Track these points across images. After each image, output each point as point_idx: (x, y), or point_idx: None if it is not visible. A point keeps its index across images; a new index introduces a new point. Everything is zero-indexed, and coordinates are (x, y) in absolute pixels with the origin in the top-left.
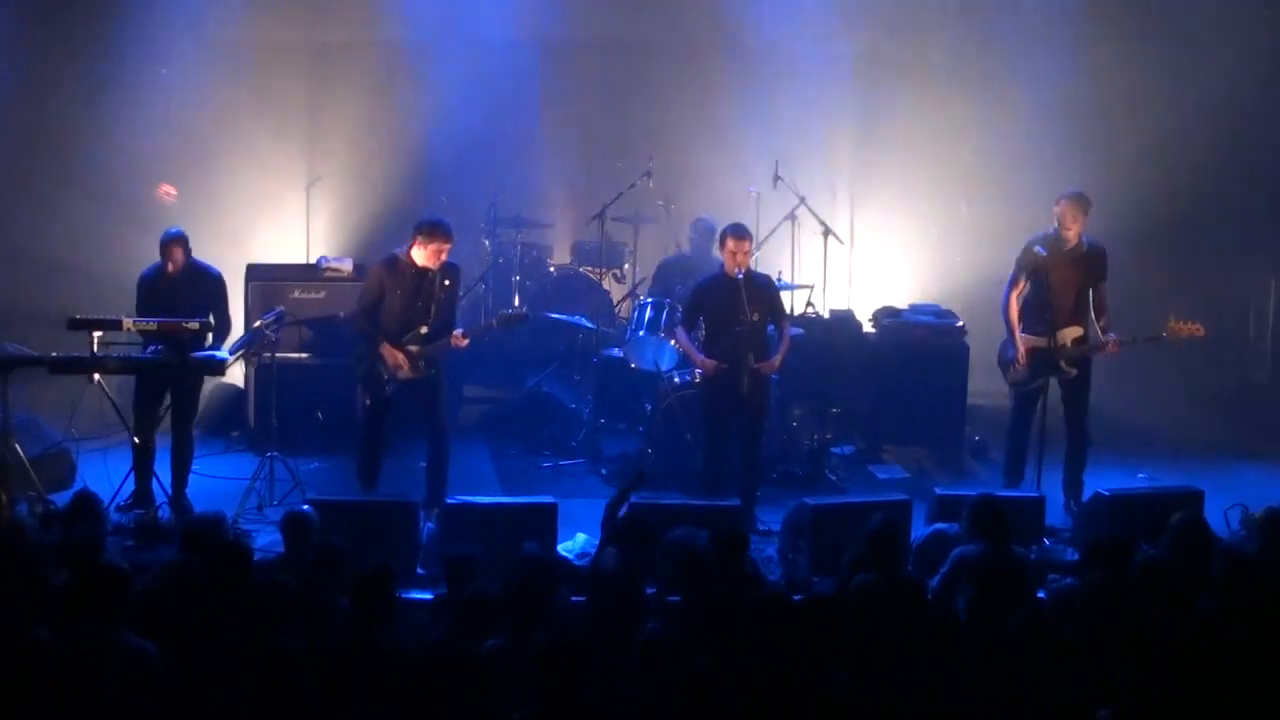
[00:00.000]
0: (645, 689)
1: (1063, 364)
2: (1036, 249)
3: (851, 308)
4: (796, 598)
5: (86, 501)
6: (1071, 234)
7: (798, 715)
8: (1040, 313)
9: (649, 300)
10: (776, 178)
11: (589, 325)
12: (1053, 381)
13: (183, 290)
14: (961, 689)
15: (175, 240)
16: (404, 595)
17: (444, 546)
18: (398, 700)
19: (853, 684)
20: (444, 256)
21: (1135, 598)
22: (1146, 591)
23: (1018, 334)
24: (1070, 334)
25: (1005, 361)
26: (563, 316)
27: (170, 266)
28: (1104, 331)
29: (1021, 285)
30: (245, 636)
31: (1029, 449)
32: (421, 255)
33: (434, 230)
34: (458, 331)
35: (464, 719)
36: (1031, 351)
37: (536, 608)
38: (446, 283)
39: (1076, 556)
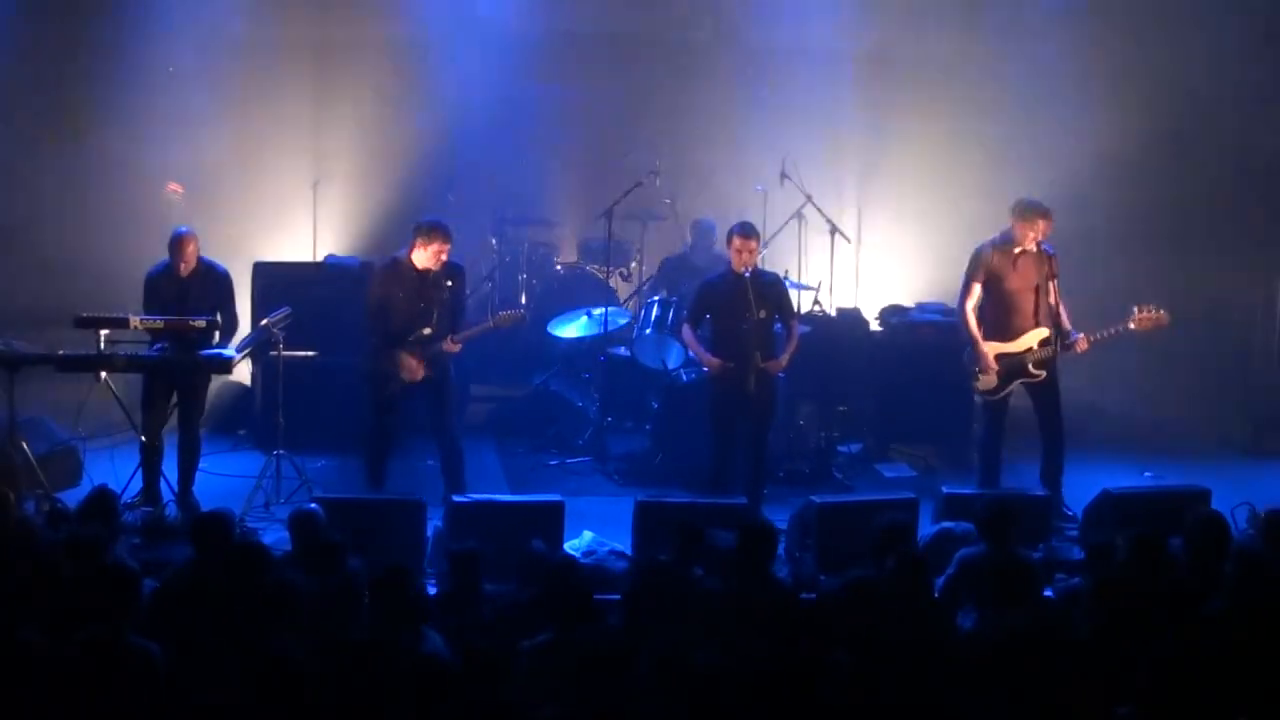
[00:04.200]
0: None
1: (1030, 367)
2: (987, 254)
3: (858, 306)
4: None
5: (102, 499)
6: (1029, 240)
7: (803, 714)
8: (1003, 318)
9: (656, 299)
10: (783, 176)
11: (595, 333)
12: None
13: (190, 288)
14: (969, 689)
15: (187, 239)
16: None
17: (443, 545)
18: (416, 700)
19: (858, 684)
20: (444, 258)
21: (1144, 596)
22: (1158, 590)
23: (980, 343)
24: (1037, 336)
25: (972, 371)
26: (565, 336)
27: (182, 266)
28: (1067, 332)
29: (975, 293)
30: (255, 635)
31: (1003, 458)
32: (421, 257)
33: (433, 231)
34: (450, 337)
35: (487, 717)
36: (1000, 358)
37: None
38: (449, 283)
39: (1082, 555)
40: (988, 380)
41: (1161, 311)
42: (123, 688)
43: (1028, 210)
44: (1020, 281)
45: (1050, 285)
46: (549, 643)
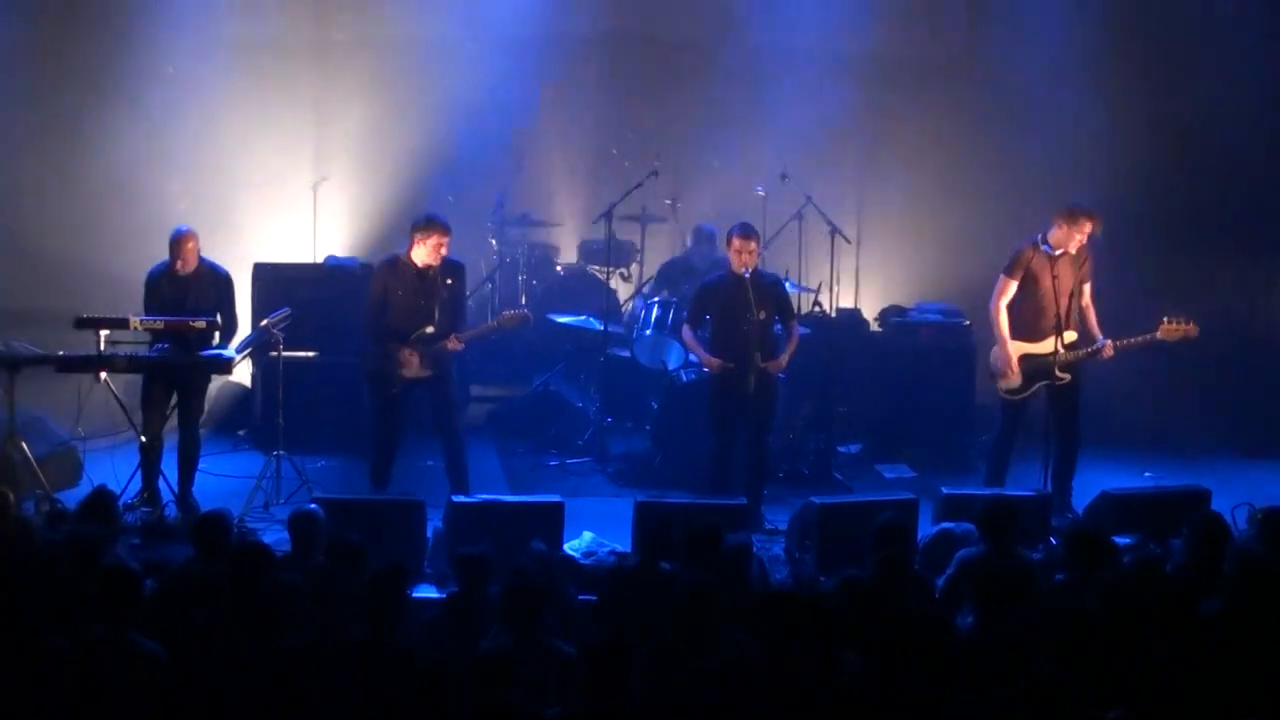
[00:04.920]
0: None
1: (1056, 370)
2: (1028, 253)
3: (858, 307)
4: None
5: (100, 500)
6: (1074, 244)
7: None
8: (1034, 319)
9: (656, 299)
10: (783, 176)
11: (596, 327)
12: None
13: (191, 289)
14: (967, 690)
15: (187, 238)
16: (411, 594)
17: (453, 545)
18: (411, 699)
19: (857, 684)
20: (444, 251)
21: (1136, 598)
22: (1150, 591)
23: (1008, 343)
24: (1066, 339)
25: (996, 370)
26: (568, 321)
27: (180, 265)
28: (1094, 335)
29: (1010, 291)
30: (255, 636)
31: (1012, 459)
32: (421, 253)
33: (430, 225)
34: (454, 335)
35: (483, 717)
36: (1024, 359)
37: (537, 607)
38: (449, 281)
39: None
40: (1010, 380)
41: (1191, 324)
42: (127, 689)
43: (1080, 213)
44: (1056, 284)
45: (1084, 289)
46: (508, 646)
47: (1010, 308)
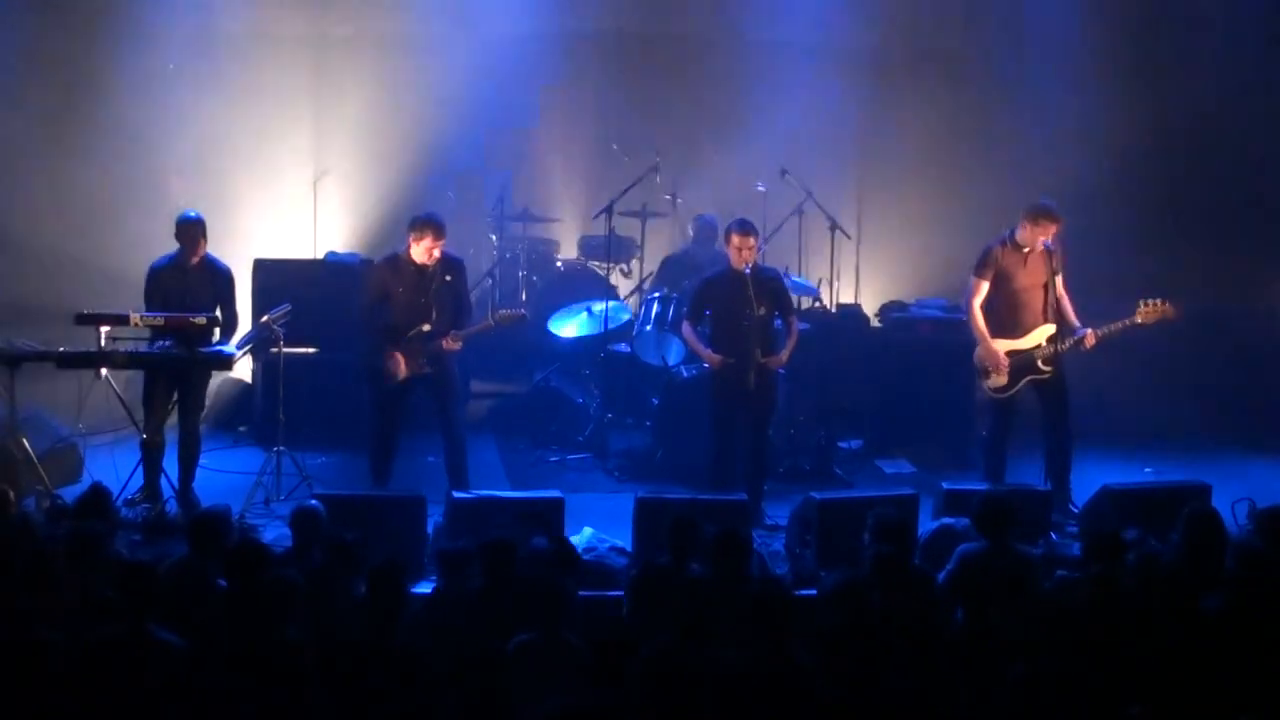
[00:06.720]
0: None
1: (1039, 364)
2: (997, 251)
3: (859, 302)
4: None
5: (96, 497)
6: (1038, 242)
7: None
8: (1011, 315)
9: (656, 295)
10: (783, 172)
11: (596, 332)
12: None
13: (192, 283)
14: (970, 688)
15: (194, 224)
16: (412, 589)
17: (452, 542)
18: (410, 695)
19: (856, 682)
20: (437, 252)
21: (1139, 594)
22: (1152, 587)
23: (989, 341)
24: (1045, 333)
25: (982, 370)
26: (568, 336)
27: (191, 251)
28: (1073, 326)
29: (983, 291)
30: (254, 632)
31: (1009, 455)
32: (417, 252)
33: (424, 226)
34: (451, 334)
35: (483, 713)
36: (1008, 355)
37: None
38: (448, 278)
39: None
40: (999, 379)
41: (1167, 304)
42: (147, 681)
43: (1041, 214)
44: (1029, 279)
45: (1056, 281)
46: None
47: (987, 307)
